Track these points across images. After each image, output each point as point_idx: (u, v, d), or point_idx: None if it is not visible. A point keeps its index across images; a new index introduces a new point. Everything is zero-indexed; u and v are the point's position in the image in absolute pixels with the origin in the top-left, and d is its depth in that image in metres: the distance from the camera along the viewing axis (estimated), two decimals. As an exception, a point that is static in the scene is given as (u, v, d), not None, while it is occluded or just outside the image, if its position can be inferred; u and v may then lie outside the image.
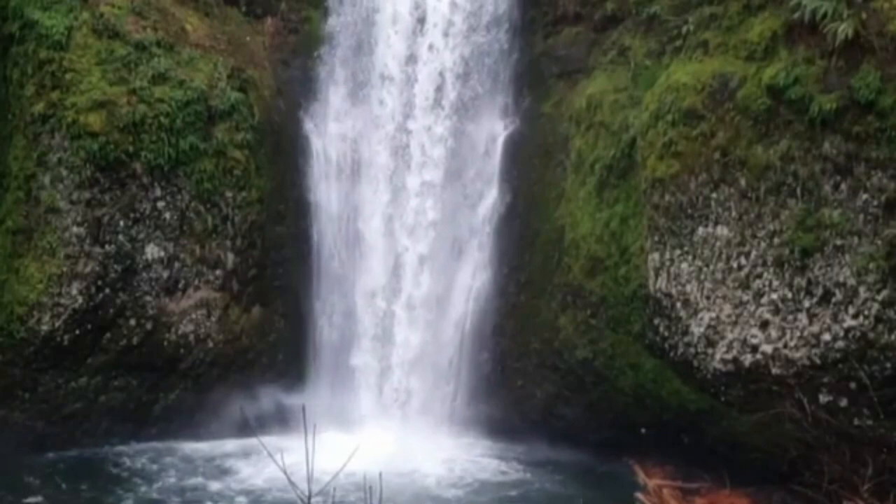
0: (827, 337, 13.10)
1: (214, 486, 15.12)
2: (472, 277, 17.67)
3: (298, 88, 18.34)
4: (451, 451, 16.55)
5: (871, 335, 12.72)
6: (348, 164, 18.25)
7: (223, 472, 15.62)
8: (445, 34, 17.88)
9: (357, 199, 18.21)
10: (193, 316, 16.92)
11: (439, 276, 17.70)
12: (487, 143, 17.83)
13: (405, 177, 17.89)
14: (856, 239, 12.76)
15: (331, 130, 18.24)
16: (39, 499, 14.29)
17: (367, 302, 18.04)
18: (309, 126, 18.18)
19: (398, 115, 17.98)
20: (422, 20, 18.00)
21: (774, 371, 13.60)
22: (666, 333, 14.82)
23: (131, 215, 16.33)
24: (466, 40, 17.86)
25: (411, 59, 18.01)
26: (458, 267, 17.78)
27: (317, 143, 18.15)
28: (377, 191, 18.05)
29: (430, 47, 17.89)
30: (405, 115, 17.93)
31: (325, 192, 18.14)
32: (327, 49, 18.50)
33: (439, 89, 17.81)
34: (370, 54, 18.36)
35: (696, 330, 14.35)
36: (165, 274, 16.66)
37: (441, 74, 17.82)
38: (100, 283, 16.16)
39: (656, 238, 14.79)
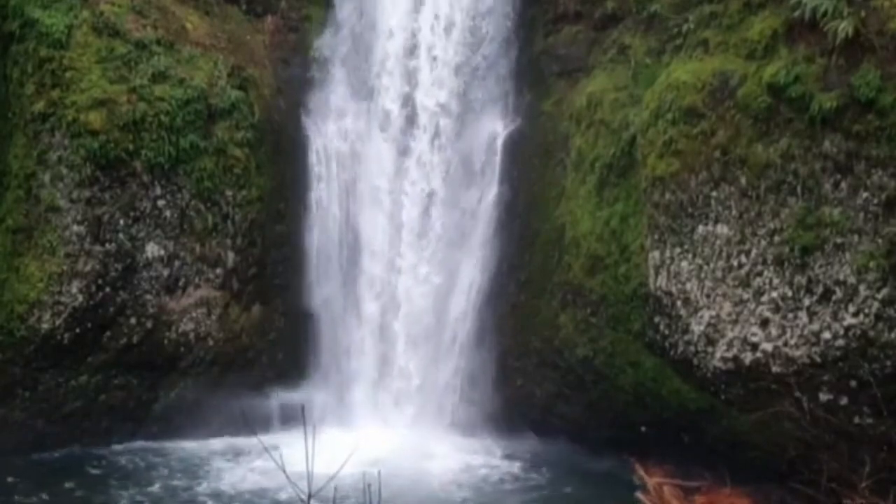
0: (827, 335, 13.09)
1: (214, 484, 15.11)
2: (472, 276, 17.67)
3: (298, 87, 18.35)
4: (450, 450, 16.55)
5: (872, 333, 12.71)
6: (348, 163, 18.25)
7: (223, 471, 15.61)
8: (445, 32, 17.88)
9: (357, 197, 18.22)
10: (194, 314, 16.93)
11: (439, 275, 17.71)
12: (487, 141, 17.83)
13: (405, 175, 17.90)
14: (856, 237, 12.76)
15: (331, 129, 18.25)
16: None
17: (367, 300, 18.05)
18: (309, 124, 18.18)
19: (398, 112, 17.99)
20: (421, 18, 18.00)
21: (775, 369, 13.60)
22: (666, 332, 14.82)
23: (131, 214, 16.34)
24: (466, 39, 17.87)
25: (411, 57, 18.01)
26: (459, 265, 17.78)
27: (317, 142, 18.15)
28: (377, 189, 18.05)
29: (430, 45, 17.89)
30: (405, 114, 17.94)
31: (326, 191, 18.15)
32: (327, 47, 18.50)
33: (439, 87, 17.82)
34: (370, 52, 18.37)
35: (697, 328, 14.35)
36: (166, 272, 16.67)
37: (441, 72, 17.82)
38: (100, 281, 16.16)
39: (656, 236, 14.79)
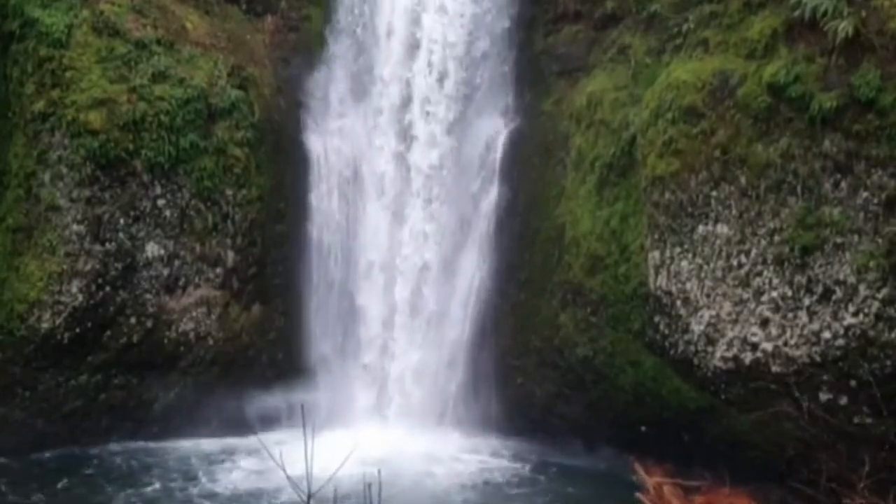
0: (827, 335, 13.09)
1: (213, 484, 15.11)
2: (473, 275, 17.67)
3: (298, 86, 18.35)
4: (450, 450, 16.55)
5: (872, 333, 12.71)
6: (348, 163, 18.25)
7: (223, 471, 15.61)
8: (445, 32, 17.88)
9: (357, 197, 18.22)
10: (193, 314, 16.93)
11: (439, 274, 17.71)
12: (488, 141, 17.83)
13: (405, 175, 17.91)
14: (856, 237, 12.76)
15: (331, 128, 18.26)
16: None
17: (366, 300, 18.05)
18: (309, 124, 18.18)
19: (398, 112, 17.99)
20: (421, 18, 18.00)
21: (774, 369, 13.60)
22: (666, 331, 14.82)
23: (131, 213, 16.34)
24: (466, 38, 17.87)
25: (411, 56, 18.02)
26: (459, 265, 17.78)
27: (317, 141, 18.15)
28: (377, 189, 18.06)
29: (430, 45, 17.89)
30: (405, 113, 17.95)
31: (326, 190, 18.15)
32: (327, 47, 18.50)
33: (439, 87, 17.82)
34: (370, 52, 18.37)
35: (697, 328, 14.35)
36: (166, 272, 16.67)
37: (441, 72, 17.83)
38: (100, 281, 16.16)
39: (656, 236, 14.79)
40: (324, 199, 18.13)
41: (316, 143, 18.15)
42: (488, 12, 17.94)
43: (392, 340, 17.84)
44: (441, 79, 17.76)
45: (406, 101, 17.92)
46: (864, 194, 12.67)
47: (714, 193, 14.02)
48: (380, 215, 18.02)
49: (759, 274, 13.69)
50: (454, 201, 17.80)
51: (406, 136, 17.87)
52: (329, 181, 18.16)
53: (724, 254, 14.01)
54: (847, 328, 12.91)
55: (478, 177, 17.84)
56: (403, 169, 17.91)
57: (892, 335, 12.57)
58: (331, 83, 18.44)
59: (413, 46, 17.93)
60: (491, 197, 17.68)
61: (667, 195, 14.51)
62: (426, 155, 17.73)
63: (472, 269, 17.70)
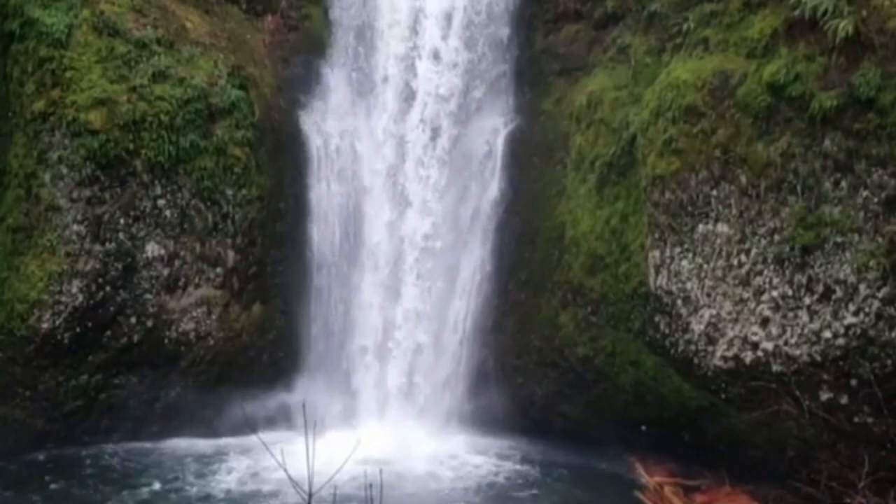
0: (827, 334, 13.09)
1: (214, 484, 15.11)
2: (473, 275, 17.67)
3: (299, 86, 18.34)
4: (451, 450, 16.55)
5: (872, 332, 12.71)
6: (348, 162, 18.25)
7: (223, 471, 15.61)
8: (445, 32, 17.88)
9: (357, 196, 18.22)
10: (194, 314, 16.94)
11: (439, 274, 17.71)
12: (488, 140, 17.83)
13: (405, 174, 17.90)
14: (856, 236, 12.76)
15: (331, 128, 18.24)
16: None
17: (367, 300, 18.05)
18: (309, 123, 18.17)
19: (398, 111, 17.99)
20: (421, 18, 18.00)
21: (775, 368, 13.61)
22: (666, 331, 14.82)
23: (132, 213, 16.34)
24: (466, 38, 17.87)
25: (411, 56, 18.01)
26: (459, 264, 17.79)
27: (317, 141, 18.14)
28: (377, 188, 18.05)
29: (430, 45, 17.89)
30: (405, 112, 17.94)
31: (326, 190, 18.14)
32: (327, 46, 18.50)
33: (439, 86, 17.81)
34: (370, 52, 18.38)
35: (697, 327, 14.35)
36: (166, 272, 16.68)
37: (441, 72, 17.82)
38: (100, 280, 16.17)
39: (657, 235, 14.79)
40: (324, 199, 18.13)
41: (316, 142, 18.15)
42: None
43: (393, 341, 17.84)
44: (434, 137, 17.76)
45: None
46: (865, 193, 12.66)
47: (714, 193, 14.02)
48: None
49: (760, 273, 13.69)
50: (454, 201, 17.80)
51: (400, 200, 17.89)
52: (329, 181, 18.17)
53: (724, 253, 14.01)
54: (847, 327, 12.91)
55: (477, 176, 17.84)
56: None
57: (893, 334, 12.56)
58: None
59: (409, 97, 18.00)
60: (491, 196, 17.68)
61: (667, 194, 14.51)
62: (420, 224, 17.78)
63: (473, 269, 17.70)
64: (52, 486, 14.70)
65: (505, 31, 17.88)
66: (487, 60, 17.91)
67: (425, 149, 17.73)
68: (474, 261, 17.70)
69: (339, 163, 18.18)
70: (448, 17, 17.88)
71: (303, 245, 18.00)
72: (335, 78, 18.46)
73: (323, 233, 18.09)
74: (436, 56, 17.82)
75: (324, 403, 17.04)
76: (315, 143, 18.09)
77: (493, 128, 17.82)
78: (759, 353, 13.73)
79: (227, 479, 15.27)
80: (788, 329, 13.45)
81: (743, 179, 13.69)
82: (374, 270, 17.91)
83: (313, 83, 18.40)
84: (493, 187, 17.67)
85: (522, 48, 18.01)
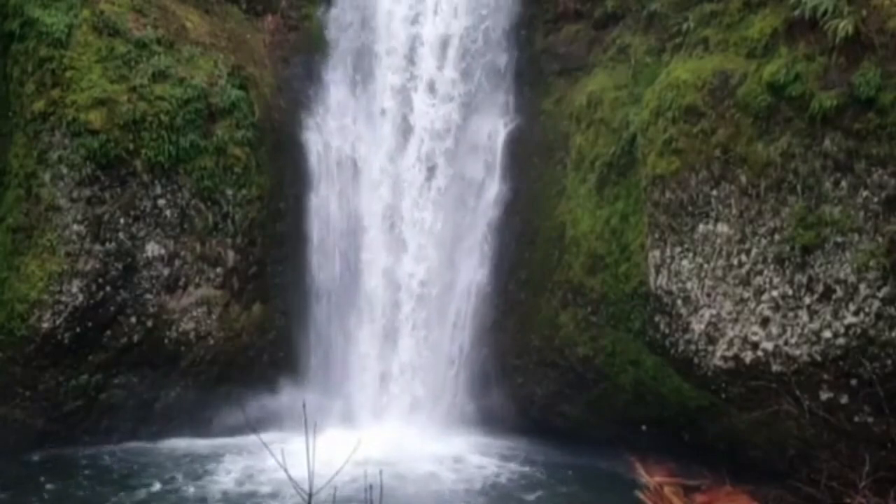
0: (827, 334, 13.09)
1: (214, 484, 15.11)
2: (473, 275, 17.67)
3: (299, 86, 18.34)
4: (452, 450, 16.55)
5: (872, 332, 12.70)
6: (348, 162, 18.25)
7: (222, 471, 15.61)
8: (445, 32, 17.87)
9: (357, 196, 18.22)
10: (194, 313, 16.94)
11: (440, 274, 17.71)
12: (488, 140, 17.82)
13: (405, 174, 17.90)
14: (856, 236, 12.75)
15: (331, 128, 18.25)
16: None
17: (367, 300, 18.05)
18: (309, 123, 18.18)
19: (398, 112, 17.99)
20: (421, 18, 17.99)
21: (775, 368, 13.60)
22: (666, 331, 14.82)
23: (132, 213, 16.34)
24: (466, 37, 17.86)
25: (411, 56, 18.01)
26: (459, 264, 17.78)
27: (317, 141, 18.15)
28: (377, 188, 18.05)
29: (430, 45, 17.88)
30: (405, 113, 17.94)
31: (325, 190, 18.15)
32: (327, 46, 18.49)
33: (439, 86, 17.81)
34: (370, 51, 18.37)
35: (697, 327, 14.35)
36: (166, 271, 16.68)
37: (441, 71, 17.82)
38: (100, 280, 16.16)
39: (657, 235, 14.79)
40: (323, 199, 18.13)
41: (316, 141, 18.16)
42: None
43: (393, 341, 17.84)
44: (430, 177, 17.76)
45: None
46: (865, 193, 12.66)
47: (714, 192, 14.02)
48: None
49: (760, 273, 13.69)
50: (455, 201, 17.79)
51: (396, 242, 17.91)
52: (329, 181, 18.19)
53: (724, 253, 14.01)
54: (847, 327, 12.91)
55: (478, 176, 17.84)
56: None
57: (893, 334, 12.55)
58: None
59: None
60: (491, 196, 17.68)
61: (667, 194, 14.51)
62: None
63: (473, 268, 17.69)
64: (50, 487, 14.70)
65: (503, 58, 17.83)
66: (485, 91, 17.83)
67: (420, 190, 17.74)
68: (474, 259, 17.69)
69: (338, 160, 18.21)
70: (444, 45, 17.80)
71: (303, 245, 17.99)
72: (335, 77, 18.46)
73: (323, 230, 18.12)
74: (432, 89, 17.78)
75: (324, 404, 17.04)
76: (315, 142, 18.09)
77: (493, 128, 17.82)
78: (759, 353, 13.73)
79: (226, 479, 15.27)
80: (788, 329, 13.44)
81: (743, 179, 13.69)
82: (371, 322, 17.91)
83: (313, 82, 18.39)
84: (493, 187, 17.67)
85: (522, 48, 17.99)
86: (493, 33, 17.90)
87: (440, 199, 17.72)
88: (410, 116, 17.89)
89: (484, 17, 17.83)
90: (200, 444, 16.64)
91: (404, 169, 17.87)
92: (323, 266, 18.07)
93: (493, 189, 17.68)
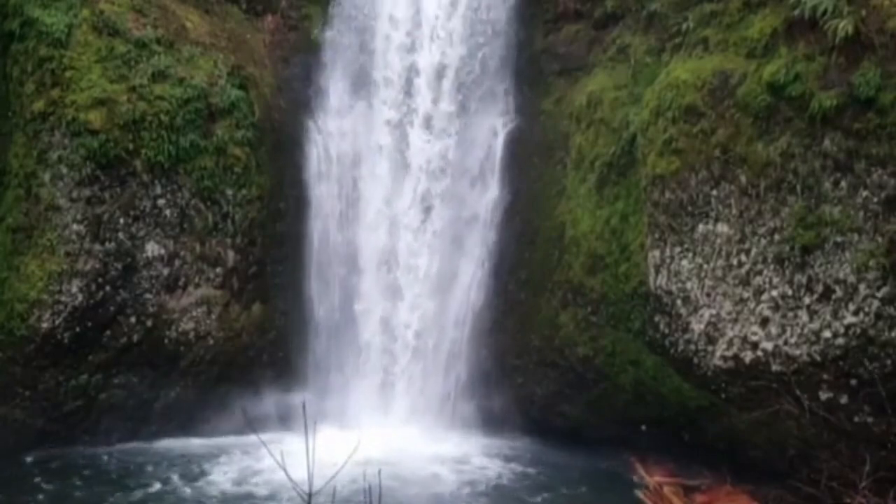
0: (827, 334, 13.09)
1: (214, 484, 15.11)
2: (473, 275, 17.67)
3: (298, 86, 18.33)
4: (451, 450, 16.55)
5: (872, 332, 12.70)
6: (348, 162, 18.25)
7: (222, 471, 15.60)
8: (445, 32, 17.87)
9: (356, 196, 18.22)
10: (194, 313, 16.93)
11: (439, 274, 17.71)
12: (487, 140, 17.82)
13: (405, 174, 17.91)
14: (856, 236, 12.75)
15: (331, 128, 18.25)
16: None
17: (366, 299, 18.05)
18: (309, 123, 18.17)
19: (398, 112, 17.98)
20: (421, 18, 18.00)
21: (775, 368, 13.60)
22: (666, 331, 14.82)
23: (131, 213, 16.34)
24: (466, 37, 17.87)
25: (411, 56, 18.01)
26: (459, 264, 17.78)
27: (317, 141, 18.15)
28: (377, 188, 18.05)
29: (430, 45, 17.88)
30: (405, 113, 17.94)
31: (325, 190, 18.15)
32: (327, 46, 18.50)
33: (439, 86, 17.81)
34: (370, 52, 18.36)
35: (697, 327, 14.35)
36: (166, 271, 16.67)
37: (441, 72, 17.82)
38: (100, 280, 16.16)
39: (657, 235, 14.79)
40: (323, 198, 18.14)
41: (316, 141, 18.16)
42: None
43: (393, 342, 17.84)
44: (425, 220, 17.75)
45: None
46: (864, 193, 12.66)
47: (714, 192, 14.02)
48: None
49: (760, 273, 13.69)
50: (454, 201, 17.79)
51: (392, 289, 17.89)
52: (328, 181, 18.19)
53: (724, 253, 14.01)
54: (847, 327, 12.91)
55: (477, 176, 17.84)
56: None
57: (893, 334, 12.56)
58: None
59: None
60: (490, 196, 17.68)
61: (667, 194, 14.51)
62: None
63: (473, 269, 17.69)
64: (47, 487, 14.68)
65: (501, 88, 17.80)
66: (482, 130, 17.78)
67: (416, 234, 17.75)
68: (474, 261, 17.69)
69: (338, 160, 18.20)
70: (440, 75, 17.76)
71: (303, 245, 17.99)
72: (335, 77, 18.46)
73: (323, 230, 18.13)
74: (428, 125, 17.75)
75: (324, 404, 17.04)
76: (315, 142, 18.08)
77: (493, 128, 17.82)
78: (759, 353, 13.73)
79: (226, 479, 15.26)
80: (788, 329, 13.44)
81: (743, 179, 13.69)
82: (366, 377, 17.92)
83: (313, 82, 18.38)
84: (493, 187, 17.67)
85: (522, 48, 18.00)
86: (490, 62, 17.86)
87: (436, 242, 17.69)
88: (407, 153, 17.84)
89: (481, 45, 17.77)
90: (200, 444, 16.63)
91: (401, 211, 17.83)
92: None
93: (493, 189, 17.67)
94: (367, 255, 18.01)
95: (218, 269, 17.09)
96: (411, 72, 17.91)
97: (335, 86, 18.34)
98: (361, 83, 18.26)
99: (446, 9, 17.85)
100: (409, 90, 17.90)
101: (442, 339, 17.73)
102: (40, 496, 14.36)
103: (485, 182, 17.79)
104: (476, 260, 17.71)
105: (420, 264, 17.71)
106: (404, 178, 17.86)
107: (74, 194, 16.02)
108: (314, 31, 18.47)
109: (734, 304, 13.95)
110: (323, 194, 18.02)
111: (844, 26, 12.59)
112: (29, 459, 15.70)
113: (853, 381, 12.94)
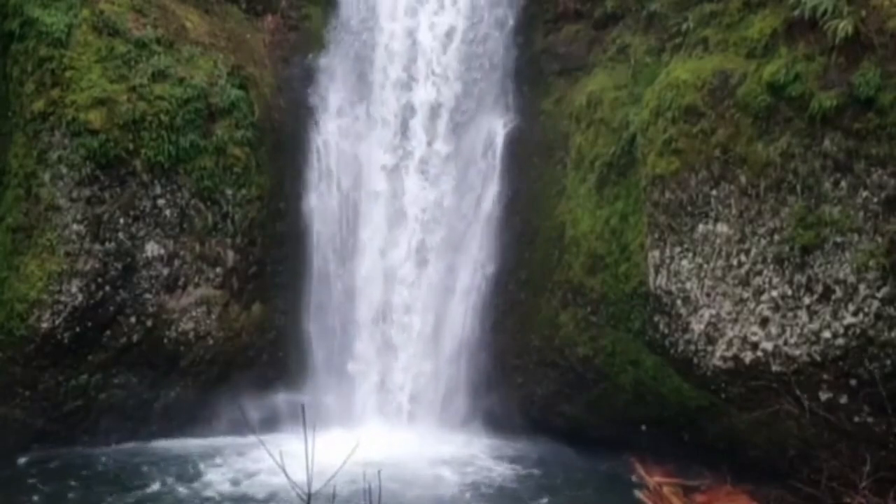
0: (827, 334, 13.08)
1: (214, 484, 15.08)
2: (472, 275, 17.66)
3: (299, 86, 18.33)
4: (451, 450, 16.53)
5: (872, 332, 12.70)
6: (348, 162, 18.24)
7: (221, 471, 15.58)
8: (445, 31, 17.87)
9: (356, 196, 18.22)
10: (193, 313, 16.93)
11: (439, 274, 17.70)
12: (487, 140, 17.82)
13: (405, 174, 17.90)
14: (856, 236, 12.74)
15: (331, 128, 18.24)
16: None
17: (366, 300, 18.04)
18: (309, 123, 18.17)
19: (398, 112, 17.98)
20: (421, 17, 17.99)
21: (774, 368, 13.60)
22: (666, 331, 14.82)
23: (131, 213, 16.34)
24: (466, 37, 17.87)
25: (411, 56, 18.01)
26: (458, 264, 17.78)
27: (317, 141, 18.15)
28: (377, 188, 18.05)
29: (430, 45, 17.88)
30: (405, 113, 17.93)
31: (325, 190, 18.15)
32: (327, 46, 18.49)
33: (439, 86, 17.80)
34: (370, 51, 18.36)
35: (697, 327, 14.34)
36: (165, 271, 16.67)
37: (441, 71, 17.81)
38: (100, 280, 16.16)
39: (656, 235, 14.78)
40: (323, 198, 18.14)
41: (316, 141, 18.17)
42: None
43: (393, 341, 17.84)
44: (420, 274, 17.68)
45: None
46: (864, 193, 12.65)
47: (714, 192, 14.02)
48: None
49: (759, 273, 13.68)
50: (454, 200, 17.79)
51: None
52: (329, 182, 18.20)
53: (723, 253, 14.01)
54: (847, 327, 12.91)
55: (477, 176, 17.83)
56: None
57: (892, 334, 12.55)
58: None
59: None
60: (490, 196, 17.67)
61: (667, 194, 14.50)
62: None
63: (473, 269, 17.69)
64: (44, 488, 14.64)
65: (498, 123, 17.73)
66: (479, 169, 17.71)
67: (410, 288, 17.69)
68: (474, 260, 17.69)
69: (338, 160, 18.19)
70: (435, 114, 17.70)
71: (303, 245, 17.99)
72: (335, 77, 18.45)
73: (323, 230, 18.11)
74: (423, 170, 17.69)
75: (323, 404, 17.03)
76: (315, 142, 18.08)
77: (493, 128, 17.81)
78: (759, 353, 13.73)
79: (224, 480, 15.23)
80: (788, 329, 13.44)
81: (743, 179, 13.68)
82: (367, 377, 17.84)
83: (313, 82, 18.38)
84: (493, 187, 17.66)
85: (522, 48, 18.00)
86: (487, 97, 17.81)
87: (429, 300, 17.62)
88: (402, 199, 17.81)
89: (477, 80, 17.74)
90: (198, 445, 16.61)
91: (396, 263, 17.78)
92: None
93: (493, 189, 17.67)
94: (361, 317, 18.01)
95: (218, 269, 17.08)
96: (406, 112, 17.77)
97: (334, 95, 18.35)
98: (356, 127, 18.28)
99: (441, 40, 17.75)
100: (405, 133, 17.77)
101: (442, 338, 17.71)
102: (41, 496, 14.35)
103: (484, 182, 17.77)
104: (476, 260, 17.69)
105: (414, 322, 17.69)
106: (400, 226, 17.77)
107: (74, 194, 16.02)
108: (309, 55, 18.35)
109: (734, 305, 13.95)
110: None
111: (844, 26, 12.59)
112: (27, 459, 15.67)
113: (853, 382, 12.93)
